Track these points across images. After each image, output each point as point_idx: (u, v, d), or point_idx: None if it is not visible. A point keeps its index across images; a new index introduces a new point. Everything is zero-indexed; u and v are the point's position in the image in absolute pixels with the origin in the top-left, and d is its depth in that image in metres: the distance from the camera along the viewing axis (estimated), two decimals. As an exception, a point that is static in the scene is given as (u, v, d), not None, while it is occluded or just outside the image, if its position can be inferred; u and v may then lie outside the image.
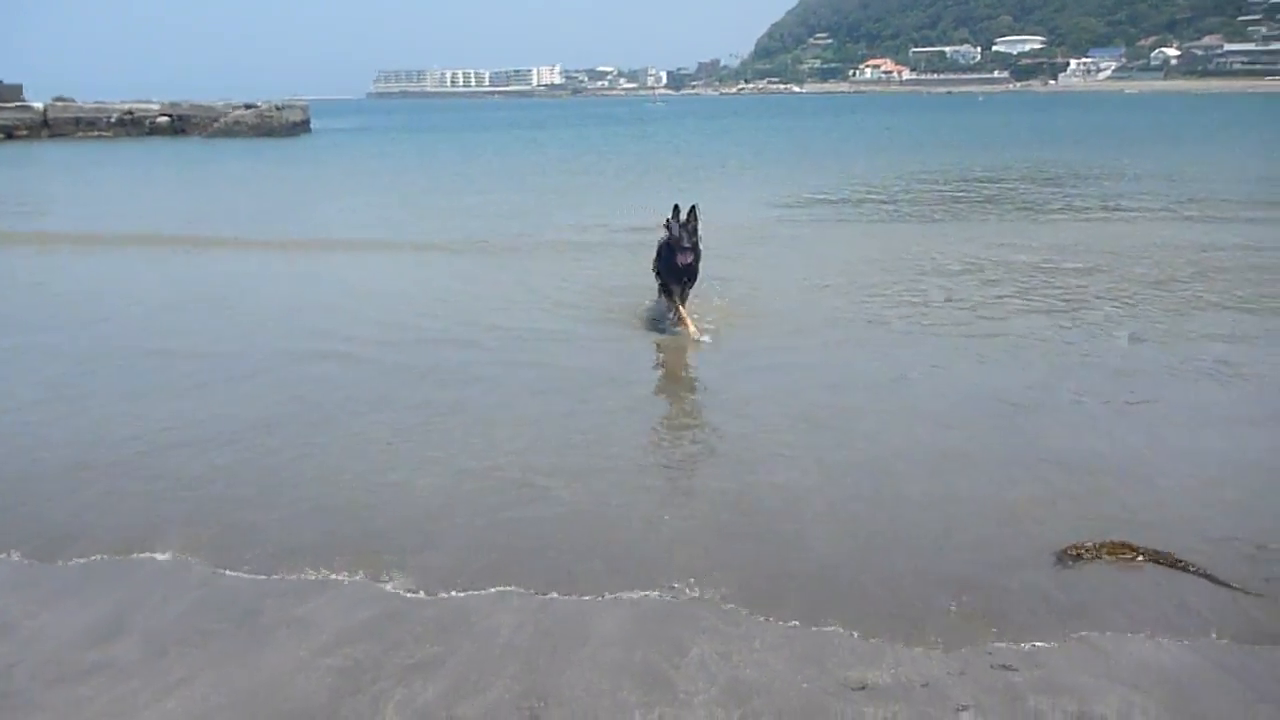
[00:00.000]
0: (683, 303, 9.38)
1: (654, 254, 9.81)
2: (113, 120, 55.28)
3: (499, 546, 5.10)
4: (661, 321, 9.76)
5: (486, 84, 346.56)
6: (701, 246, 9.23)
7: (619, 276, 12.18)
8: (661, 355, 8.87)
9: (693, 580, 4.70)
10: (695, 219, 9.04)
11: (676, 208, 9.13)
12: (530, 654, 4.14)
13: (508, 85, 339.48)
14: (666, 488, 5.89)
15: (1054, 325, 9.48)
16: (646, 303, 10.40)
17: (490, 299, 11.24)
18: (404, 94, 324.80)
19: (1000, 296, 10.77)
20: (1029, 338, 9.04)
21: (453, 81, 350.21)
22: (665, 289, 9.55)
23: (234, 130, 55.90)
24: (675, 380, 8.30)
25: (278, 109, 59.56)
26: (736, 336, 9.37)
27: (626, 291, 11.19)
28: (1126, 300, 10.46)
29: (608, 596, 4.60)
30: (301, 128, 60.01)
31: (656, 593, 4.61)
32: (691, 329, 9.20)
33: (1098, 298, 10.60)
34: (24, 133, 52.30)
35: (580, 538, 5.18)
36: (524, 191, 24.49)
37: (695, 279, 9.38)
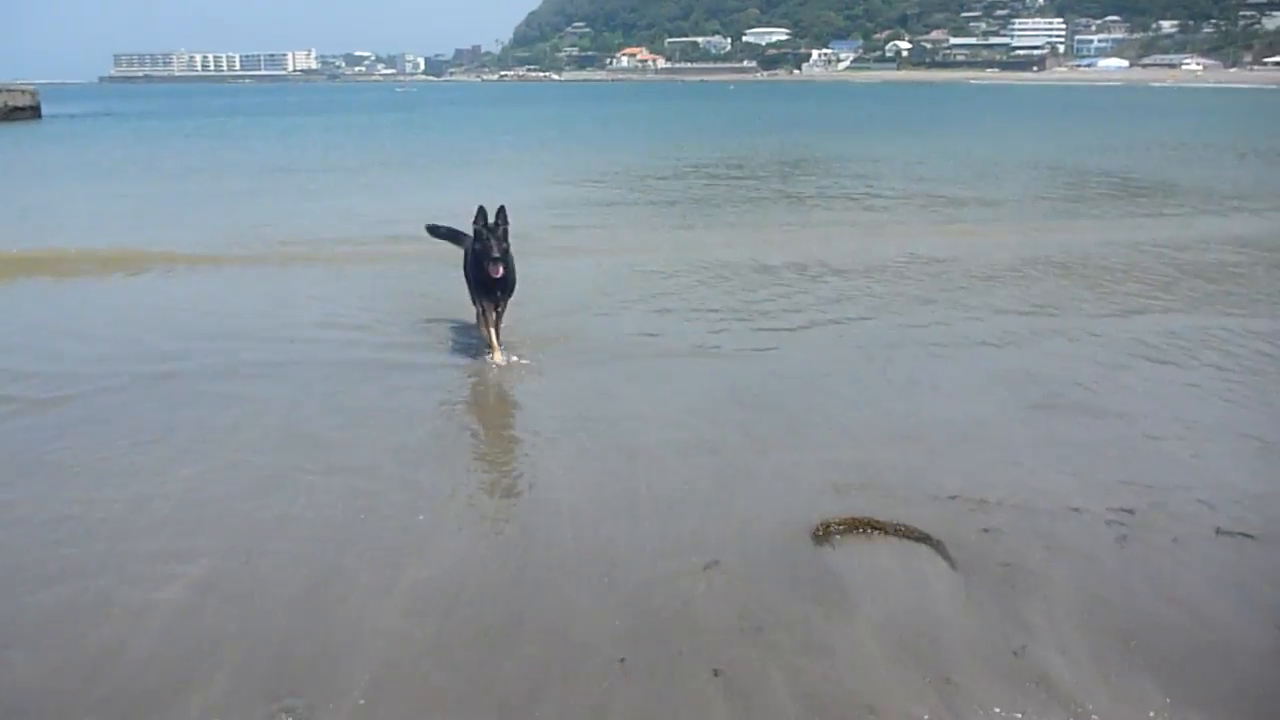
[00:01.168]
0: (498, 319, 8.16)
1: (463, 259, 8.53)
2: None
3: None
4: (470, 342, 8.67)
5: (238, 68, 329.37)
6: (513, 252, 8.04)
7: (397, 285, 11.17)
8: (451, 388, 7.66)
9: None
10: (505, 222, 7.81)
11: (482, 209, 7.82)
12: None
13: (260, 69, 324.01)
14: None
15: (813, 324, 9.95)
16: (444, 320, 9.47)
17: (239, 320, 9.84)
18: (147, 78, 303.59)
19: (776, 296, 11.08)
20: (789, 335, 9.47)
21: (202, 65, 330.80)
22: (478, 304, 8.31)
23: (-64, 116, 50.46)
24: (461, 420, 7.08)
25: (-8, 92, 54.06)
26: (539, 356, 8.29)
27: (407, 305, 10.18)
28: (889, 297, 11.09)
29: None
30: (28, 113, 54.38)
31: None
32: (498, 355, 8.03)
33: (856, 296, 11.17)
34: None
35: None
36: (282, 187, 22.75)
37: (510, 290, 8.14)
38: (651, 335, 9.15)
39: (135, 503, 5.49)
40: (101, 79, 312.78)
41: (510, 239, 7.90)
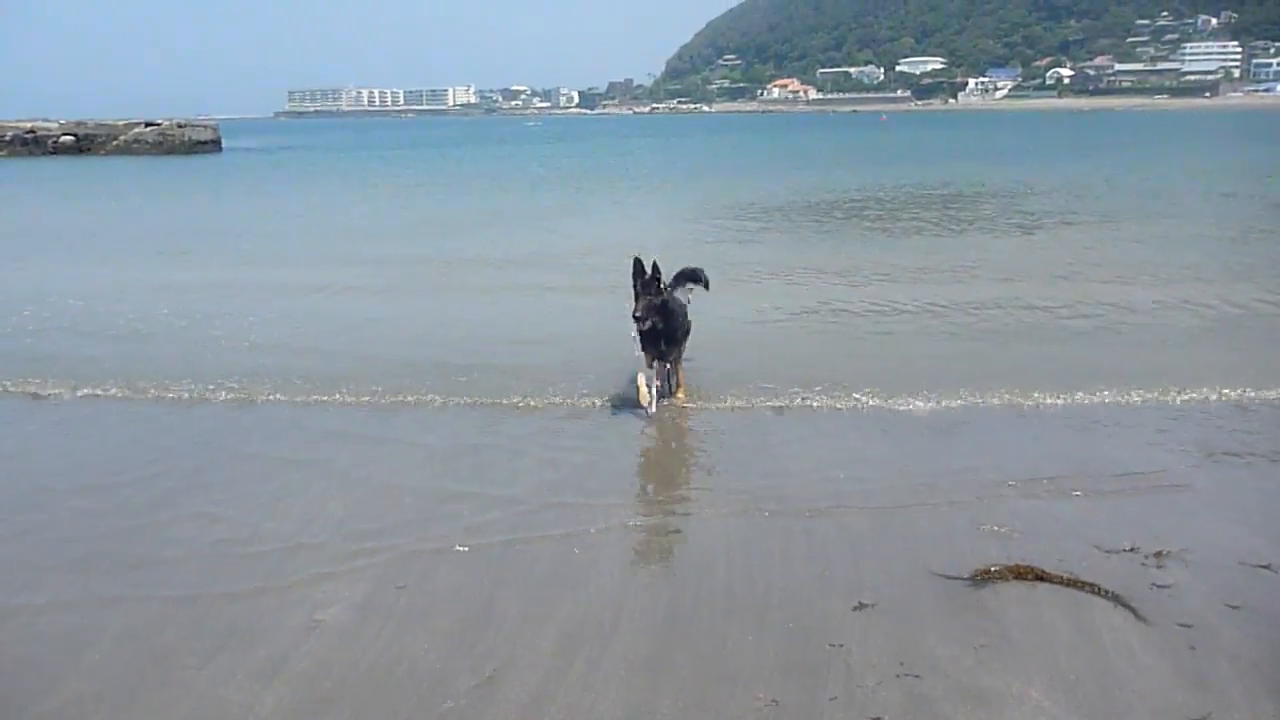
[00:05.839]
0: (670, 371, 8.12)
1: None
2: (7, 139, 53.61)
3: None
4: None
5: (401, 103, 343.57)
6: (679, 303, 7.99)
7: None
8: (609, 430, 7.51)
9: None
10: (657, 276, 7.67)
11: (639, 263, 7.67)
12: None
13: (422, 104, 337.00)
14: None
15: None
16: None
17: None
18: (318, 113, 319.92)
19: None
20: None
21: (368, 100, 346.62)
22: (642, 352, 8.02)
23: (134, 149, 54.51)
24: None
25: (179, 127, 57.97)
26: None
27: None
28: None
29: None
30: (210, 147, 58.45)
31: None
32: (649, 402, 7.78)
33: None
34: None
35: None
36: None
37: (675, 341, 7.95)
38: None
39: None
40: (277, 114, 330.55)
41: (666, 292, 7.75)
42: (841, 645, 4.31)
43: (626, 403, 7.94)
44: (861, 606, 4.62)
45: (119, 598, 4.91)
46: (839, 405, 7.85)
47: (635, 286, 7.69)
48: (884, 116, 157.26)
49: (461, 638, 4.48)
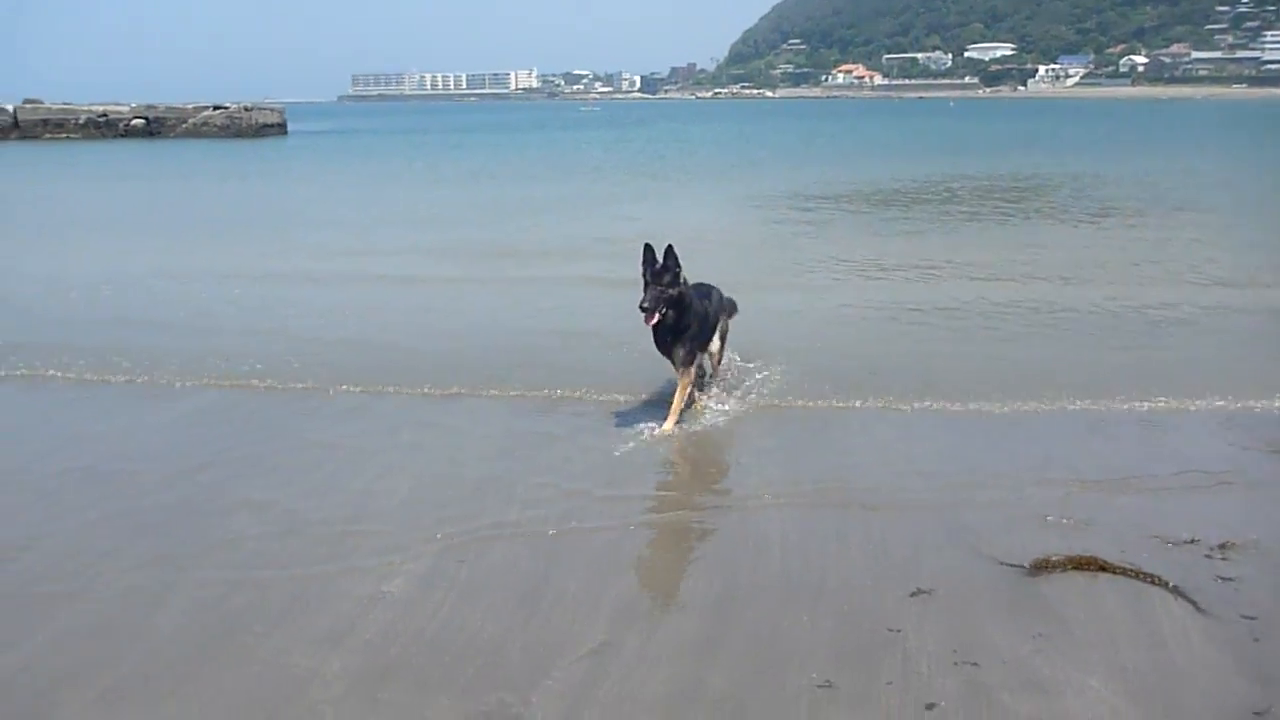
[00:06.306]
0: (678, 372, 7.18)
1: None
2: (81, 122, 55.09)
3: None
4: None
5: (464, 87, 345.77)
6: (697, 297, 7.22)
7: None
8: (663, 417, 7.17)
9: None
10: (675, 265, 6.88)
11: (649, 250, 6.89)
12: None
13: (485, 88, 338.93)
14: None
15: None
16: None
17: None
18: (381, 97, 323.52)
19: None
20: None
21: (430, 85, 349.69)
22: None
23: (202, 132, 55.74)
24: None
25: (246, 110, 59.14)
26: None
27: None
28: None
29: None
30: (276, 130, 59.61)
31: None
32: (668, 424, 7.05)
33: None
34: (-7, 134, 52.60)
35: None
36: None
37: (685, 339, 7.09)
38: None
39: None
40: (340, 98, 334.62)
41: (681, 282, 6.98)
42: (899, 631, 4.32)
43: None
44: (919, 593, 4.63)
45: (187, 574, 5.06)
46: (903, 404, 7.62)
47: (645, 276, 6.90)
48: (952, 103, 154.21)
49: (518, 612, 4.57)
